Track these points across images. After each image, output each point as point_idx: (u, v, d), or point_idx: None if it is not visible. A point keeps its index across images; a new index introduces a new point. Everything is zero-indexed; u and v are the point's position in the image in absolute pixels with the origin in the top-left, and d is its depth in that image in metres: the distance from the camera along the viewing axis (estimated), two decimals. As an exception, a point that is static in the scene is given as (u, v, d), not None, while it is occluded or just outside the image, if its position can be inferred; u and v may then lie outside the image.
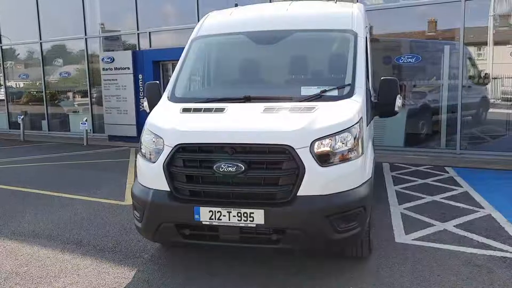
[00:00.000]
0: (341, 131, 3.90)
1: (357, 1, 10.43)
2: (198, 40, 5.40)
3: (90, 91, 15.19)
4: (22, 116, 15.28)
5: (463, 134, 10.18)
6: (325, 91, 4.41)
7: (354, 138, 3.96)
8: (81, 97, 15.97)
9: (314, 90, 4.45)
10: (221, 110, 4.23)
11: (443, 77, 10.32)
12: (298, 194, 3.71)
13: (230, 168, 3.72)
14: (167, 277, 4.28)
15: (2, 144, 14.55)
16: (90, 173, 9.40)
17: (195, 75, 5.32)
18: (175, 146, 3.91)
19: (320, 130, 3.84)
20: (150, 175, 4.08)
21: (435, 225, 5.49)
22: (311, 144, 3.76)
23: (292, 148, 3.71)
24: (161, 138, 4.05)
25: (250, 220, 3.73)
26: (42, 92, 16.23)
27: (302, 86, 4.57)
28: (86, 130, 13.75)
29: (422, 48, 10.64)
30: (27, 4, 15.60)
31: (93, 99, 15.21)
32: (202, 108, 4.34)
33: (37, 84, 16.64)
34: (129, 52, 13.42)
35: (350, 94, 4.39)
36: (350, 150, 3.92)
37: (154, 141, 4.12)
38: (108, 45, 15.03)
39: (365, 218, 3.97)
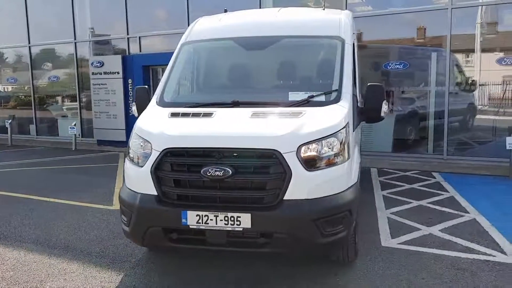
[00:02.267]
0: (328, 136, 3.94)
1: (346, 8, 10.59)
2: (188, 45, 5.43)
3: (79, 95, 15.13)
4: (10, 121, 15.16)
5: (450, 140, 10.30)
6: (312, 96, 4.46)
7: (341, 143, 4.01)
8: (70, 101, 15.89)
9: (301, 96, 4.50)
10: (209, 114, 4.26)
11: (431, 83, 10.44)
12: (284, 198, 3.74)
13: (217, 172, 3.74)
14: (154, 281, 4.29)
15: (-11, 148, 14.45)
16: (78, 177, 9.36)
17: (184, 80, 5.35)
18: (163, 150, 3.93)
19: (306, 135, 3.88)
20: (138, 180, 4.09)
21: (420, 229, 5.56)
22: (297, 148, 3.81)
23: (279, 152, 3.74)
24: (149, 142, 4.07)
25: (237, 224, 3.75)
26: (31, 96, 16.12)
27: (289, 91, 4.61)
28: (75, 134, 13.70)
29: (409, 55, 10.77)
30: (16, 7, 15.50)
31: (82, 104, 15.14)
32: (190, 113, 4.37)
33: (26, 88, 16.54)
34: (119, 57, 13.41)
35: (337, 100, 4.44)
36: (336, 155, 3.96)
37: (142, 146, 4.13)
38: (99, 49, 14.99)
39: (350, 222, 4.01)
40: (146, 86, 5.16)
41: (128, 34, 13.94)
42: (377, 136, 10.95)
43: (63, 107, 16.12)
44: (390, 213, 6.27)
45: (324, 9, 5.69)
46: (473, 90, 11.05)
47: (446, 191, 7.55)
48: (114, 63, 13.44)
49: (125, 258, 4.84)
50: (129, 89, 13.20)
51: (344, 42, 4.97)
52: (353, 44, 5.46)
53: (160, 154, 3.93)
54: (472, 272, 4.33)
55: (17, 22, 15.67)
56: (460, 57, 10.90)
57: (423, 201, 6.86)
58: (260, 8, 11.51)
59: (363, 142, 10.76)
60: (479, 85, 10.70)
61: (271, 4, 12.00)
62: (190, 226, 3.83)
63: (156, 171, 3.93)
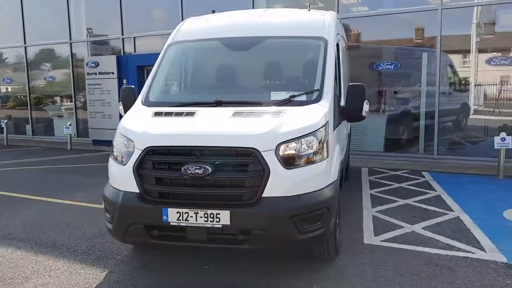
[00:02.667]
0: (306, 134, 4.02)
1: (338, 9, 10.69)
2: (174, 46, 5.51)
3: (74, 95, 15.21)
4: (6, 120, 15.24)
5: (441, 139, 10.41)
6: (294, 96, 4.54)
7: (319, 142, 4.09)
8: (66, 101, 15.97)
9: (283, 95, 4.58)
10: (191, 114, 4.34)
11: (422, 83, 10.52)
12: (263, 195, 3.82)
13: (197, 170, 3.82)
14: (138, 277, 4.36)
15: (-15, 148, 14.53)
16: (72, 177, 9.43)
17: (169, 79, 5.43)
18: (145, 148, 4.01)
19: (285, 133, 3.96)
20: (121, 178, 4.17)
21: (404, 227, 5.64)
22: (276, 147, 3.88)
23: (258, 150, 3.82)
24: (132, 141, 4.15)
25: (216, 221, 3.83)
26: (26, 96, 16.20)
27: (272, 91, 4.69)
28: (70, 134, 13.78)
29: (400, 55, 10.86)
30: (13, 8, 15.57)
31: (78, 104, 15.23)
32: (173, 112, 4.45)
33: (21, 88, 16.61)
34: (114, 57, 13.50)
35: (318, 99, 4.52)
36: (315, 153, 4.04)
37: (125, 144, 4.21)
38: (97, 49, 15.08)
39: (329, 219, 4.09)
40: (133, 86, 5.23)
41: (123, 34, 14.04)
42: (369, 136, 11.06)
43: (60, 107, 16.20)
44: (376, 212, 6.35)
45: (309, 10, 5.76)
46: (467, 90, 11.15)
47: (434, 190, 7.62)
48: (109, 63, 13.53)
49: (111, 255, 4.92)
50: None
51: (327, 43, 5.05)
52: (337, 44, 5.53)
53: (142, 152, 4.02)
54: (450, 268, 4.41)
55: (13, 22, 15.72)
56: (455, 57, 11.01)
57: (410, 200, 6.93)
58: (253, 8, 11.62)
59: (355, 142, 10.89)
60: (475, 85, 10.78)
61: (265, 4, 12.10)
62: (171, 223, 3.91)
63: (138, 169, 4.01)
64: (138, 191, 4.03)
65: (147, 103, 4.87)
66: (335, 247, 4.52)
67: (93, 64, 13.71)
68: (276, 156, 3.87)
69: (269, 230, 3.80)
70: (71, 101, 15.42)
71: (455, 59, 11.03)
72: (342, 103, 5.05)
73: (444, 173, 9.09)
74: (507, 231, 5.48)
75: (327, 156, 4.17)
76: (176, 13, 12.74)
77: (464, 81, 11.15)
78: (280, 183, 3.86)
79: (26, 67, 16.02)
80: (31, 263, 4.76)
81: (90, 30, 15.26)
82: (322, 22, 5.31)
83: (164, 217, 3.91)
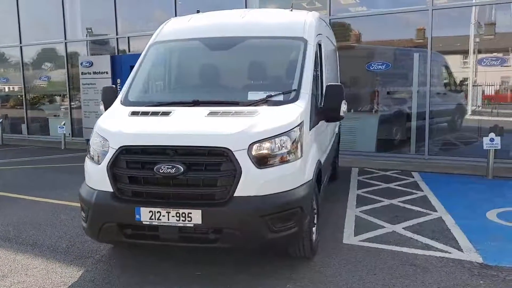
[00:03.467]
0: (280, 134, 4.04)
1: (329, 9, 10.70)
2: (155, 46, 5.54)
3: (70, 95, 15.25)
4: (1, 120, 15.28)
5: (434, 140, 10.41)
6: (270, 96, 4.56)
7: (293, 141, 4.10)
8: (61, 101, 16.00)
9: (260, 95, 4.59)
10: (167, 113, 4.36)
11: (413, 84, 10.50)
12: (235, 195, 3.84)
13: (169, 170, 3.84)
14: (113, 276, 4.38)
15: (-20, 147, 14.58)
16: (62, 176, 9.45)
17: (149, 79, 5.44)
18: (119, 148, 4.04)
19: (258, 133, 3.98)
20: (95, 177, 4.20)
21: (385, 227, 5.64)
22: (249, 146, 3.90)
23: (230, 150, 3.84)
24: (107, 140, 4.18)
25: (188, 220, 3.85)
26: (22, 96, 16.25)
27: (249, 91, 4.70)
28: (64, 134, 13.82)
29: (392, 55, 10.86)
30: (9, 7, 15.61)
31: (73, 103, 15.26)
32: (150, 112, 4.47)
33: (17, 88, 16.66)
34: (108, 57, 13.50)
35: (294, 99, 4.53)
36: (288, 153, 4.06)
37: (101, 143, 4.24)
38: (96, 49, 15.10)
39: (303, 218, 4.10)
40: (114, 86, 5.28)
41: (117, 34, 14.06)
42: (361, 136, 11.07)
43: (54, 107, 16.23)
44: (360, 211, 6.35)
45: (291, 10, 5.76)
46: (462, 91, 11.14)
47: (421, 190, 7.62)
48: (103, 63, 13.53)
49: (90, 254, 4.93)
50: (118, 89, 13.26)
51: (307, 43, 5.05)
52: (320, 45, 5.55)
53: (116, 151, 4.04)
54: (425, 268, 4.41)
55: (8, 21, 15.77)
56: (452, 58, 11.04)
57: (395, 200, 6.93)
58: (246, 7, 11.63)
59: (347, 142, 10.91)
60: (473, 85, 10.77)
61: (258, 4, 12.11)
62: (144, 222, 3.93)
63: (112, 168, 4.04)
64: (112, 190, 4.05)
65: (126, 102, 4.89)
66: (311, 247, 4.52)
67: (87, 64, 13.73)
68: (248, 155, 3.89)
69: (240, 229, 3.82)
70: (66, 101, 15.44)
71: (449, 59, 11.03)
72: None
73: (434, 173, 9.09)
74: (488, 231, 5.47)
75: (301, 156, 4.18)
76: (170, 13, 12.73)
77: (457, 82, 11.14)
78: (252, 183, 3.87)
79: (21, 67, 16.05)
80: (9, 262, 4.78)
81: (90, 30, 15.29)
82: (302, 23, 5.32)
83: (137, 216, 3.93)
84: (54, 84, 16.01)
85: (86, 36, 15.22)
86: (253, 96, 4.61)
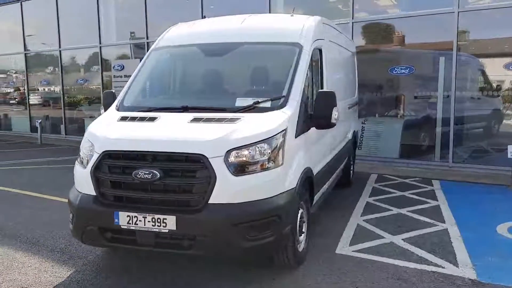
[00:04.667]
0: (258, 141, 4.01)
1: (352, 13, 10.51)
2: (156, 51, 5.64)
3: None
4: (40, 120, 15.97)
5: (463, 146, 10.05)
6: (258, 102, 4.54)
7: (273, 149, 4.07)
8: (97, 103, 16.51)
9: (248, 102, 4.58)
10: (153, 119, 4.43)
11: (439, 88, 10.15)
12: (209, 202, 3.85)
13: (146, 175, 3.90)
14: (99, 278, 4.48)
15: (20, 146, 15.26)
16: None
17: (146, 85, 5.53)
18: (102, 152, 4.14)
19: (236, 140, 3.97)
20: (81, 180, 4.32)
21: (384, 238, 5.49)
22: (226, 153, 3.90)
23: (206, 157, 3.86)
24: (93, 144, 4.29)
25: (163, 226, 3.89)
26: (67, 97, 16.93)
27: (238, 97, 4.70)
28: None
29: (415, 59, 10.54)
30: (50, 13, 16.28)
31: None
32: (137, 117, 4.55)
33: (57, 90, 17.34)
34: (137, 60, 13.84)
35: (281, 106, 4.49)
36: (267, 160, 4.03)
37: (89, 148, 4.35)
38: (139, 53, 15.49)
39: (281, 227, 4.05)
40: (113, 91, 5.39)
41: (147, 38, 14.38)
42: (384, 141, 10.81)
43: (89, 109, 16.78)
44: (363, 220, 6.21)
45: (292, 15, 5.72)
46: (497, 96, 10.68)
47: (435, 199, 7.35)
48: (134, 66, 13.84)
49: (84, 255, 5.07)
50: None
51: (302, 49, 5.00)
52: (320, 50, 5.48)
53: (99, 156, 4.15)
54: (412, 282, 4.26)
55: (49, 27, 16.46)
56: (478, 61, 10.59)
57: (404, 209, 6.72)
58: (269, 9, 11.63)
59: (369, 147, 10.71)
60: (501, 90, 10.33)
61: (282, 5, 12.08)
62: (122, 226, 4.01)
63: (95, 172, 4.14)
64: (95, 194, 4.15)
65: (121, 107, 5.01)
66: (294, 256, 4.45)
67: (119, 67, 14.13)
68: (224, 162, 3.89)
69: (212, 236, 3.83)
70: (100, 103, 15.91)
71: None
72: None
73: (456, 182, 8.75)
74: (492, 245, 5.22)
75: (282, 164, 4.14)
76: (198, 17, 12.91)
77: (494, 86, 10.63)
78: (227, 190, 3.87)
79: (60, 70, 16.69)
80: (8, 260, 4.99)
81: (133, 34, 15.70)
82: (300, 28, 5.26)
83: (116, 220, 4.02)
84: (90, 87, 16.56)
85: (130, 39, 15.63)
86: (241, 102, 4.61)
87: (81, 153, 4.49)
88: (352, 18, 10.64)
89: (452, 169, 9.68)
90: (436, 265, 4.67)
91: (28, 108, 17.92)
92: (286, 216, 4.11)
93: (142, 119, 4.49)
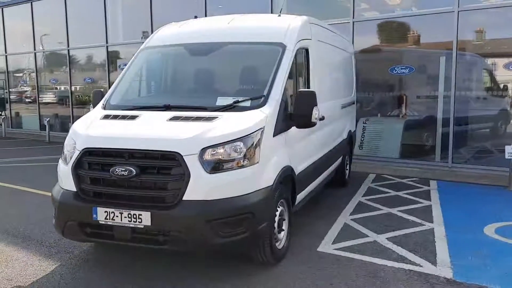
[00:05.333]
0: (234, 140, 4.09)
1: (353, 12, 10.50)
2: (144, 51, 5.74)
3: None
4: (48, 119, 16.26)
5: (466, 147, 9.98)
6: (237, 101, 4.61)
7: (250, 147, 4.14)
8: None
9: (229, 101, 4.65)
10: (134, 117, 4.53)
11: (439, 88, 10.09)
12: (183, 198, 3.94)
13: (123, 172, 4.01)
14: (82, 272, 4.60)
15: (29, 144, 15.57)
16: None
17: (133, 84, 5.64)
18: (82, 149, 4.26)
19: (211, 138, 4.05)
20: (63, 177, 4.44)
21: (368, 236, 5.52)
22: (200, 151, 3.98)
23: (180, 154, 3.94)
24: (76, 142, 4.41)
25: (138, 222, 3.99)
26: (80, 96, 17.20)
27: (219, 96, 4.78)
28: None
29: (415, 59, 10.50)
30: (59, 13, 16.54)
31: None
32: (119, 115, 4.66)
33: (67, 89, 17.61)
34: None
35: (261, 105, 4.55)
36: (242, 159, 4.10)
37: (72, 145, 4.47)
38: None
39: (255, 224, 4.11)
40: (102, 90, 5.50)
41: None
42: (385, 141, 10.77)
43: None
44: (351, 219, 6.23)
45: (279, 15, 5.77)
46: (505, 96, 10.58)
47: (429, 199, 7.34)
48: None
49: (71, 249, 5.20)
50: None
51: (285, 49, 5.05)
52: (306, 49, 5.52)
53: (80, 153, 4.27)
54: (385, 280, 4.29)
55: (59, 26, 16.73)
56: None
57: (395, 209, 6.73)
58: (271, 9, 11.67)
59: (370, 147, 10.69)
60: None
61: (285, 5, 12.10)
62: (100, 222, 4.12)
63: (76, 169, 4.26)
64: (75, 190, 4.27)
65: (107, 106, 5.12)
66: (272, 253, 4.51)
67: (124, 66, 14.29)
68: (199, 160, 3.97)
69: (186, 232, 3.91)
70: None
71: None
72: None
73: (454, 182, 8.72)
74: (475, 246, 5.20)
75: (258, 162, 4.20)
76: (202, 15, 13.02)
77: (504, 86, 10.51)
78: (201, 187, 3.95)
79: (69, 69, 16.94)
80: (-2, 254, 5.15)
81: (146, 32, 15.88)
82: (284, 28, 5.31)
83: (94, 216, 4.13)
84: (97, 86, 16.77)
85: (142, 38, 15.80)
86: (221, 101, 4.69)
87: (64, 150, 4.62)
88: (353, 18, 10.62)
89: (452, 169, 9.61)
90: (414, 263, 4.69)
91: (38, 107, 18.21)
92: (261, 213, 4.17)
93: (123, 117, 4.60)
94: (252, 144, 4.17)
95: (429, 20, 10.08)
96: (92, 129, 4.46)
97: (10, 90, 19.35)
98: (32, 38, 17.55)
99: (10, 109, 19.13)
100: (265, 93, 4.68)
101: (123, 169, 4.01)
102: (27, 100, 19.10)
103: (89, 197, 4.23)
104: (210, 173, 3.98)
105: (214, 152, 4.03)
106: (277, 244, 4.66)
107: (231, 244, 4.06)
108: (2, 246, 5.37)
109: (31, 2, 17.29)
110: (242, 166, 4.10)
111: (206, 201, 3.94)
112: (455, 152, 9.83)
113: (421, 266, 4.61)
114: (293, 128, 4.91)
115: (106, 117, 4.70)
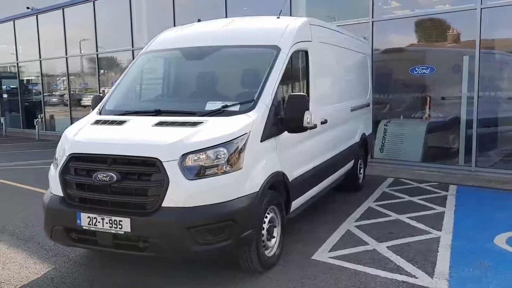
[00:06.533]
0: (215, 145, 4.02)
1: (372, 11, 10.24)
2: (143, 55, 5.77)
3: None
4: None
5: (495, 151, 9.57)
6: (226, 106, 4.54)
7: (233, 153, 4.07)
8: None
9: (218, 106, 4.60)
10: (122, 123, 4.55)
11: (462, 89, 9.69)
12: (163, 205, 3.90)
13: (104, 178, 4.01)
14: (73, 277, 4.63)
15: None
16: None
17: (129, 89, 5.66)
18: (69, 155, 4.30)
19: (192, 144, 4.00)
20: (52, 181, 4.50)
21: (368, 244, 5.32)
22: (181, 157, 3.94)
23: (160, 161, 3.91)
24: (65, 147, 4.45)
25: (119, 228, 3.98)
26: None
27: (209, 101, 4.72)
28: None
29: (437, 58, 10.12)
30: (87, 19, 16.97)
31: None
32: (109, 121, 4.68)
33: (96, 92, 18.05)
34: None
35: (249, 110, 4.47)
36: (224, 165, 4.03)
37: (63, 150, 4.52)
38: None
39: (238, 232, 4.02)
40: (101, 95, 5.55)
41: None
42: (407, 144, 10.45)
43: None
44: (355, 226, 6.04)
45: (278, 17, 5.66)
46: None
47: (443, 206, 7.03)
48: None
49: (67, 253, 5.25)
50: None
51: (280, 51, 4.95)
52: (305, 52, 5.40)
53: (67, 158, 4.30)
54: (375, 292, 4.12)
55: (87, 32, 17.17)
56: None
57: (404, 216, 6.48)
58: (290, 11, 11.55)
59: (391, 150, 10.37)
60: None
61: (304, 7, 11.98)
62: (83, 227, 4.14)
63: (63, 174, 4.30)
64: (62, 195, 4.31)
65: (103, 111, 5.16)
66: (259, 261, 4.41)
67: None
68: (179, 166, 3.92)
69: (164, 239, 3.88)
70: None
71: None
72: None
73: (476, 187, 8.33)
74: (480, 256, 4.92)
75: (241, 168, 4.12)
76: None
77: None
78: (180, 194, 3.91)
79: (97, 73, 17.33)
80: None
81: None
82: (280, 30, 5.21)
83: (78, 221, 4.15)
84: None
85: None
86: (211, 106, 4.63)
87: (56, 155, 4.67)
88: (372, 17, 10.36)
89: (475, 173, 9.22)
90: (409, 275, 4.48)
91: (69, 110, 18.72)
92: (245, 220, 4.09)
93: (112, 122, 4.62)
94: (236, 150, 4.09)
95: (451, 18, 9.70)
96: (80, 134, 4.50)
97: (53, 93, 20.01)
98: (64, 43, 18.04)
99: (44, 112, 19.73)
100: (253, 97, 4.60)
101: (105, 174, 4.01)
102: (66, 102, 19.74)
103: (75, 202, 4.26)
104: (190, 180, 3.93)
105: (196, 158, 3.98)
106: (267, 251, 4.56)
107: (213, 251, 4.00)
108: (5, 248, 5.50)
109: (63, 8, 17.78)
110: (225, 172, 4.03)
111: (185, 208, 3.89)
112: (479, 155, 9.42)
113: (416, 278, 4.40)
114: (287, 133, 4.80)
115: (97, 122, 4.73)
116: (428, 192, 8.01)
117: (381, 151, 10.79)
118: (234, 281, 4.40)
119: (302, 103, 4.63)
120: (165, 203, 3.89)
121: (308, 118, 4.66)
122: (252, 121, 4.31)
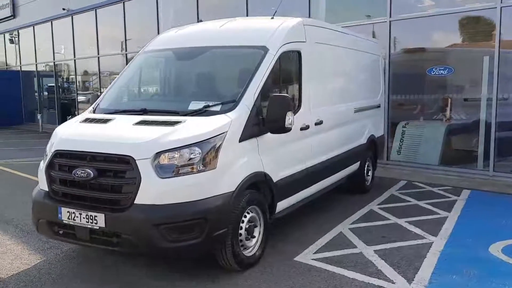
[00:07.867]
0: (189, 145, 4.09)
1: (390, 10, 10.04)
2: (141, 55, 5.91)
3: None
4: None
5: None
6: (208, 106, 4.60)
7: (207, 152, 4.12)
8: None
9: (200, 105, 4.66)
10: (106, 121, 4.69)
11: (482, 91, 9.36)
12: (135, 202, 4.00)
13: (82, 174, 4.16)
14: (60, 269, 4.81)
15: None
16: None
17: (124, 87, 5.80)
18: (54, 151, 4.48)
19: (166, 143, 4.08)
20: (40, 176, 4.69)
21: (356, 247, 5.26)
22: (154, 155, 4.03)
23: (133, 158, 4.02)
24: (53, 143, 4.65)
25: (94, 223, 4.12)
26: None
27: (193, 101, 4.79)
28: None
29: (455, 59, 9.80)
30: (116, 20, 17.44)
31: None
32: (95, 119, 4.83)
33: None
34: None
35: (229, 110, 4.50)
36: (197, 164, 4.08)
37: (51, 146, 4.71)
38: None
39: (210, 230, 4.07)
40: (99, 94, 5.73)
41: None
42: (425, 146, 10.20)
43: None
44: (349, 228, 5.97)
45: (272, 18, 5.66)
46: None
47: (449, 211, 6.82)
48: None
49: (61, 245, 5.44)
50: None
51: (267, 52, 4.96)
52: (298, 52, 5.38)
53: (52, 154, 4.49)
54: (346, 296, 4.07)
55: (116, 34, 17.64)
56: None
57: (404, 219, 6.34)
58: (309, 11, 11.49)
59: (408, 152, 10.14)
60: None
61: (324, 7, 11.88)
62: (64, 221, 4.30)
63: (48, 169, 4.49)
64: (47, 189, 4.49)
65: (97, 109, 5.33)
66: (236, 260, 4.44)
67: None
68: (152, 164, 4.01)
69: (134, 235, 3.98)
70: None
71: None
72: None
73: (491, 192, 8.05)
74: (468, 264, 4.76)
75: (215, 168, 4.16)
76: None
77: None
78: (152, 191, 4.00)
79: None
80: (-1, 246, 5.53)
81: None
82: (271, 31, 5.22)
83: (59, 215, 4.32)
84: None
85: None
86: (194, 106, 4.70)
87: (46, 151, 4.85)
88: (390, 17, 10.16)
89: (492, 178, 8.90)
90: (387, 279, 4.40)
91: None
92: (218, 219, 4.13)
93: (98, 121, 4.77)
94: (211, 149, 4.14)
95: (470, 18, 9.39)
96: (66, 132, 4.68)
97: (86, 91, 20.71)
98: (96, 43, 18.59)
99: (78, 110, 20.41)
100: (234, 98, 4.63)
101: (83, 171, 4.16)
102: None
103: (58, 197, 4.43)
104: (162, 178, 4.01)
105: (169, 157, 4.06)
106: (246, 251, 4.59)
107: (183, 249, 4.06)
108: (6, 239, 5.76)
109: (95, 9, 18.34)
110: (199, 171, 4.09)
111: (155, 205, 3.97)
112: (499, 160, 9.08)
113: (393, 283, 4.32)
114: (271, 134, 4.80)
115: (85, 120, 4.90)
116: (438, 196, 7.80)
117: (399, 153, 10.59)
118: (210, 279, 4.45)
119: (284, 104, 4.62)
120: (137, 200, 3.99)
121: (290, 119, 4.65)
122: (230, 121, 4.35)
